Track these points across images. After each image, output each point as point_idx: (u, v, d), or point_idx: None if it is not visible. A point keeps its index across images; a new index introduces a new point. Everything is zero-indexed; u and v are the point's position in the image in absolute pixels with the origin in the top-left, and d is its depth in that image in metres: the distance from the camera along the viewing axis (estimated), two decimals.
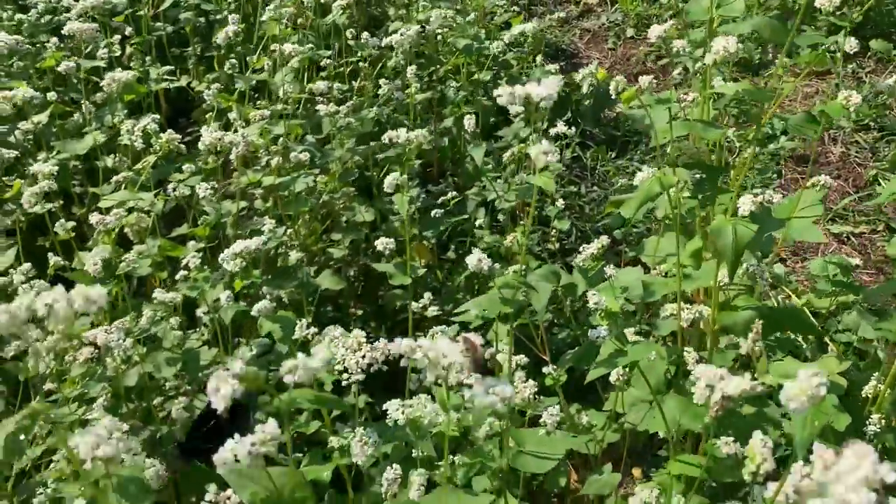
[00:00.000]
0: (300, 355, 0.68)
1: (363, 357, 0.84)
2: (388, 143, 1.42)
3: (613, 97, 1.18)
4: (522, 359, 1.44)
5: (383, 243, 1.51)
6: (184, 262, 1.57)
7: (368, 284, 2.40)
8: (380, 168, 2.19)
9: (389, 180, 1.28)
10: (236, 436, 0.68)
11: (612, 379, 1.23)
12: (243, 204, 1.92)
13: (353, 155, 2.24)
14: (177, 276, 1.60)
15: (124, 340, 1.34)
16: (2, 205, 2.06)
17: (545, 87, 0.94)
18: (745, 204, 1.06)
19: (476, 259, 1.09)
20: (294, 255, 1.77)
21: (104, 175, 2.12)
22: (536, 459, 0.96)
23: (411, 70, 2.01)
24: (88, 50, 2.38)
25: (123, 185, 1.86)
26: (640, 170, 2.89)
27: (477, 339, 0.82)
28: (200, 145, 1.48)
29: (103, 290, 0.70)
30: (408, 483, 1.18)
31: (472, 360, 0.76)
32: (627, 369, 1.24)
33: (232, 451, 0.65)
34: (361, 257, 2.46)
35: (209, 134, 1.47)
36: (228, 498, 0.66)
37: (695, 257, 1.21)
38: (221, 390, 0.62)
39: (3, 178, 1.97)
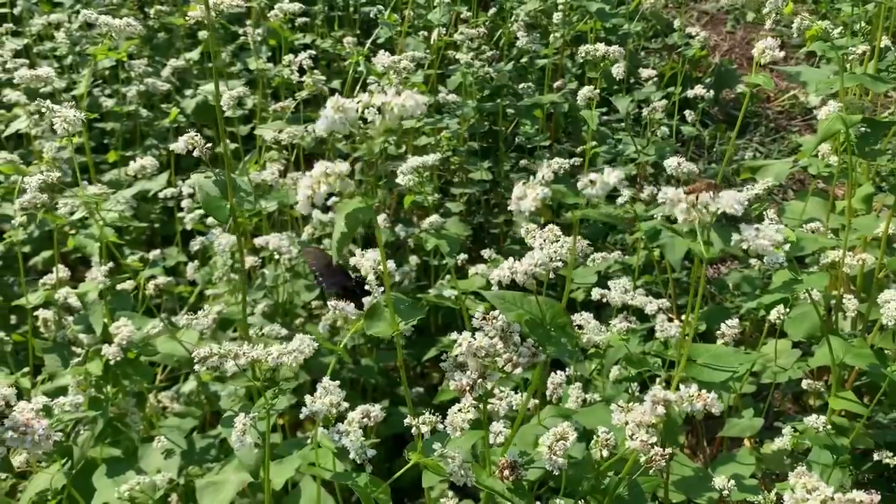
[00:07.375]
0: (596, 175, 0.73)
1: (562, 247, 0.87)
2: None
3: (796, 36, 1.18)
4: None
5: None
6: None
7: (480, 237, 2.47)
8: (508, 122, 2.23)
9: (583, 93, 1.30)
10: (509, 260, 0.73)
11: (771, 317, 1.24)
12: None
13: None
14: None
15: (290, 248, 1.42)
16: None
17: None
18: None
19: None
20: (431, 198, 1.82)
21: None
22: (710, 370, 0.98)
23: (557, 16, 2.04)
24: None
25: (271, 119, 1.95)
26: (759, 150, 2.85)
27: None
28: (379, 66, 1.55)
29: (426, 98, 0.76)
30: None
31: None
32: (785, 312, 1.25)
33: (510, 268, 0.70)
34: (476, 216, 2.52)
35: (385, 57, 1.54)
36: (495, 318, 0.71)
37: (866, 202, 1.21)
38: (530, 195, 0.67)
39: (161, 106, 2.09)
